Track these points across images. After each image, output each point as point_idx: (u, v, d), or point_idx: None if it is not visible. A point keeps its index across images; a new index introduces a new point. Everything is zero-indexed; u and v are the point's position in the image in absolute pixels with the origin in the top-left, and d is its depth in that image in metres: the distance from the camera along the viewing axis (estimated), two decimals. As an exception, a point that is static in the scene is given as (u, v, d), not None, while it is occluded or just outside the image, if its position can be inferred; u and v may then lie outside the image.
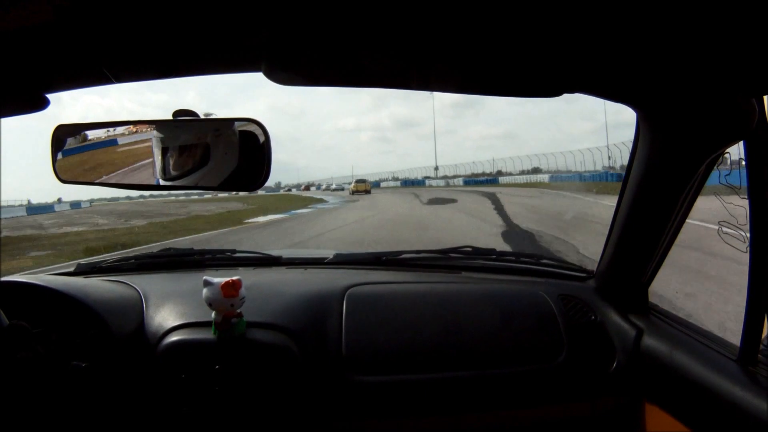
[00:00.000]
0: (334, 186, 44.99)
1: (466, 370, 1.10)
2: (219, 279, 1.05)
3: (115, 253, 7.14)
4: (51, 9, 0.57)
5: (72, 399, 0.97)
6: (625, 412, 1.13)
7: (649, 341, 1.09)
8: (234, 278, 1.05)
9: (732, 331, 0.97)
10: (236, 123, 0.76)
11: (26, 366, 0.85)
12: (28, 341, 0.86)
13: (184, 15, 0.62)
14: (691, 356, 0.97)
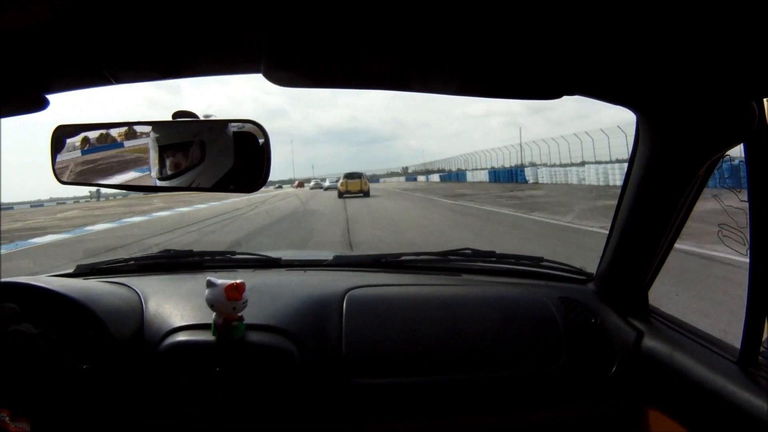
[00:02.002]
0: (327, 184, 36.41)
1: (465, 372, 1.10)
2: (223, 281, 1.05)
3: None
4: (51, 9, 0.57)
5: (74, 400, 0.97)
6: (625, 415, 1.12)
7: (649, 344, 1.09)
8: (238, 281, 1.05)
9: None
10: (236, 124, 0.76)
11: (18, 339, 0.87)
12: (17, 319, 0.88)
13: (183, 16, 0.63)
14: (692, 358, 0.97)
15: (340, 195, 21.50)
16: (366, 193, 21.76)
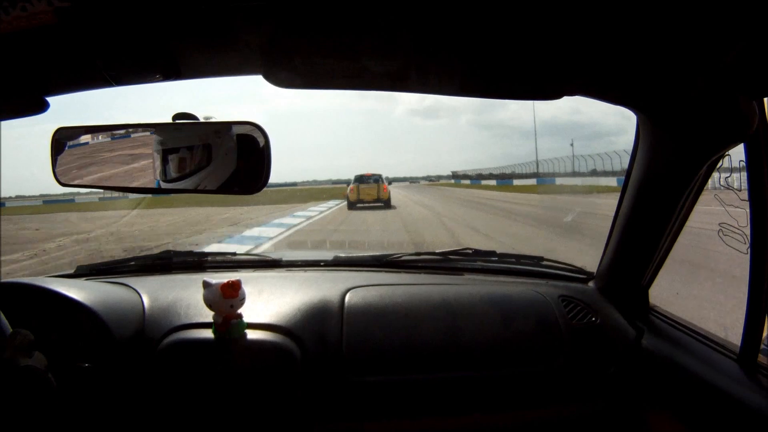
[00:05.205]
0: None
1: (466, 371, 1.10)
2: (218, 280, 1.05)
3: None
4: (52, 12, 0.57)
5: (75, 399, 0.97)
6: (625, 413, 1.13)
7: (649, 342, 1.09)
8: (233, 279, 1.05)
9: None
10: (236, 126, 0.76)
11: (29, 374, 0.84)
12: (30, 349, 0.85)
13: (183, 19, 0.62)
14: (692, 357, 0.97)
15: (351, 206, 15.66)
16: (386, 203, 15.73)
